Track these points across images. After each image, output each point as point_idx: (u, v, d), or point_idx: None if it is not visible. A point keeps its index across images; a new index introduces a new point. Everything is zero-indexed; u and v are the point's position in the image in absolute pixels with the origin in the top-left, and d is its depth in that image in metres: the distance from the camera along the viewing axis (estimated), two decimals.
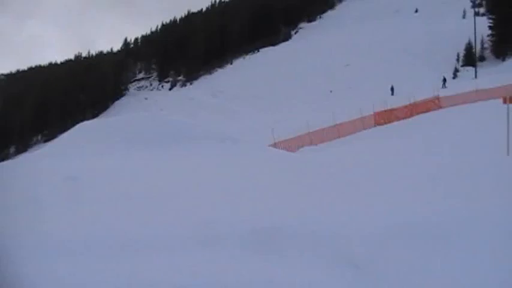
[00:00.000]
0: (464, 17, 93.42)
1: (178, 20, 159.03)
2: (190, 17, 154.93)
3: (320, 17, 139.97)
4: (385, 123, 39.77)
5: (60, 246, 6.11)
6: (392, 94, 58.14)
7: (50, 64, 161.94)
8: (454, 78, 69.12)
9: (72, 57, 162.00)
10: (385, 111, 42.11)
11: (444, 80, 58.07)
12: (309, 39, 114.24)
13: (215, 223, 6.95)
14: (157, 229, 6.87)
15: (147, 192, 9.11)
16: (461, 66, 74.10)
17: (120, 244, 6.21)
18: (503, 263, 5.61)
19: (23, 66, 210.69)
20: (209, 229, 6.71)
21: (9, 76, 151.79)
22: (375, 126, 39.59)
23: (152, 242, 6.32)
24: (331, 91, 75.76)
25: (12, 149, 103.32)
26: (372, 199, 8.48)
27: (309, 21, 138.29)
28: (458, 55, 75.94)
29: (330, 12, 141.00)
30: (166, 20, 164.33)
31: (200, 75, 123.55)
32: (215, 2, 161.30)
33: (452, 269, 5.59)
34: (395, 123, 38.86)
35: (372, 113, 41.16)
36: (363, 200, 8.43)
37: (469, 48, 74.74)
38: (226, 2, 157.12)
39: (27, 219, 7.26)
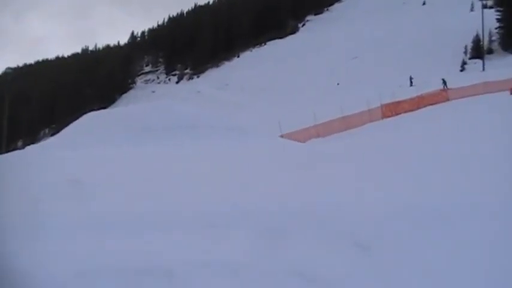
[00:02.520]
0: (472, 9, 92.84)
1: (185, 13, 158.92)
2: (197, 10, 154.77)
3: (327, 10, 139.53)
4: (393, 115, 39.60)
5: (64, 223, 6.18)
6: (411, 85, 57.16)
7: (57, 58, 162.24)
8: (461, 70, 68.65)
9: (79, 51, 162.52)
10: (392, 103, 41.94)
11: (444, 82, 49.26)
12: (316, 32, 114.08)
13: (220, 207, 7.01)
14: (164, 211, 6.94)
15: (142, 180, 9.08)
16: (469, 59, 73.45)
17: (123, 223, 6.28)
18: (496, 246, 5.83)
19: (30, 60, 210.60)
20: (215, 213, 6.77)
21: (17, 70, 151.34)
22: (382, 118, 39.40)
23: (159, 222, 6.39)
24: (338, 84, 75.58)
25: (20, 143, 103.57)
26: (374, 184, 8.56)
27: (316, 13, 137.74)
28: (466, 48, 75.40)
29: (337, 5, 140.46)
30: (173, 13, 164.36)
31: (207, 68, 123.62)
32: None
33: (452, 249, 5.69)
34: (403, 115, 38.70)
35: (379, 105, 40.99)
36: (366, 184, 8.51)
37: (476, 40, 74.16)
38: None
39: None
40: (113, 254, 5.28)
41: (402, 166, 10.53)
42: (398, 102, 41.91)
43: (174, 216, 6.71)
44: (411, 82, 58.83)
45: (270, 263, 5.27)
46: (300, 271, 5.10)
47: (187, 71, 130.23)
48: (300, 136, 31.86)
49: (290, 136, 30.73)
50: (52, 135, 77.92)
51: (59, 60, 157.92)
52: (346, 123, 36.88)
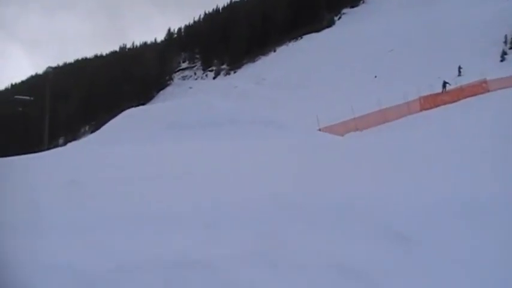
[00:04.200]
0: None
1: (220, 8, 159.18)
2: (232, 6, 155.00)
3: (363, 2, 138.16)
4: (431, 107, 39.21)
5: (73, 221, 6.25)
6: (459, 75, 56.94)
7: (96, 56, 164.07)
8: (501, 61, 67.53)
9: (117, 49, 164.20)
10: (431, 95, 41.55)
11: (444, 85, 46.49)
12: (352, 24, 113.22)
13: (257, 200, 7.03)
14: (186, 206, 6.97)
15: (178, 174, 9.14)
16: (510, 49, 72.09)
17: (147, 219, 6.32)
18: None
19: (70, 59, 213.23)
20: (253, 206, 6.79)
21: (57, 69, 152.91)
22: (420, 111, 39.01)
23: (183, 216, 6.43)
24: (375, 76, 74.95)
25: (61, 140, 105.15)
26: (420, 177, 8.45)
27: (352, 6, 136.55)
28: (506, 37, 73.98)
29: None
30: (209, 9, 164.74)
31: (244, 64, 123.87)
32: None
33: (497, 242, 5.57)
34: (442, 107, 38.29)
35: (418, 97, 40.63)
36: (412, 178, 8.41)
37: None
38: None
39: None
40: (146, 249, 5.33)
41: (441, 158, 10.39)
42: (437, 94, 41.52)
43: (199, 210, 6.75)
44: (459, 72, 58.48)
45: (308, 255, 5.27)
46: (339, 263, 5.09)
47: (224, 66, 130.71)
48: (338, 129, 31.80)
49: (328, 130, 30.69)
50: (92, 132, 79.00)
51: (98, 58, 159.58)
52: (385, 116, 36.66)
